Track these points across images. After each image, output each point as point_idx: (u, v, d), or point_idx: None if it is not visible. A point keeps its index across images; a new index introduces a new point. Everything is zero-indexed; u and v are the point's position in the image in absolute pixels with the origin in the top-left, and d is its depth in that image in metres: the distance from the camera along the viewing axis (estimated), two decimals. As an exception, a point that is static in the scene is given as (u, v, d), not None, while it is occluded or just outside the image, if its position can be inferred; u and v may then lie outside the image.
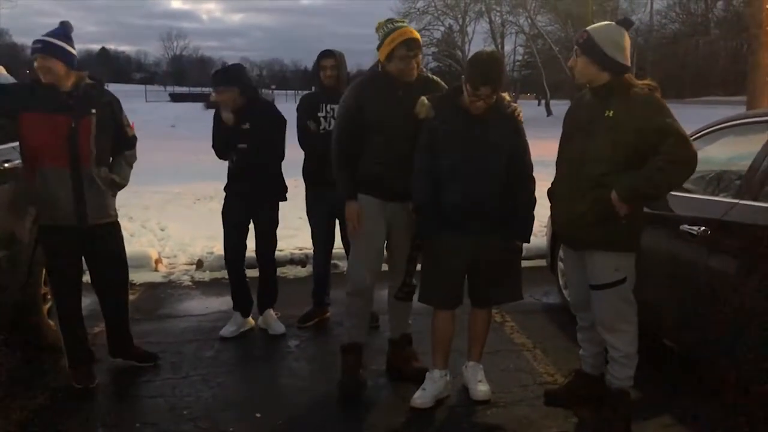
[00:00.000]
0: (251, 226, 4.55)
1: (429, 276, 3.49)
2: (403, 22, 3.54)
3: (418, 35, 3.50)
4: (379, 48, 3.47)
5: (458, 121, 3.31)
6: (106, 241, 3.76)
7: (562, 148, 3.34)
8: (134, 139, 3.91)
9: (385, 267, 3.78)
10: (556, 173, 3.35)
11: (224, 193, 4.56)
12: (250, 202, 4.45)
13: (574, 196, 3.13)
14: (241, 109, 4.34)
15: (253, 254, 4.64)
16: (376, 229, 3.59)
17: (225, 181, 4.54)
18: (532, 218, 3.47)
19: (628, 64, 3.10)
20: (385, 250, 3.73)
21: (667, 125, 2.89)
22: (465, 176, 3.31)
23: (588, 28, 3.16)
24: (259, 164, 4.40)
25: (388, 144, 3.49)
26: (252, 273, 4.73)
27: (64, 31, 3.60)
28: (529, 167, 3.42)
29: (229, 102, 4.31)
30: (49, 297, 4.18)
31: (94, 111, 3.56)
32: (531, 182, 3.42)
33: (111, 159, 3.75)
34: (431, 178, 3.37)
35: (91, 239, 3.66)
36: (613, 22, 3.17)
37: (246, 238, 4.57)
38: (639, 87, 3.03)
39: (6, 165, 3.81)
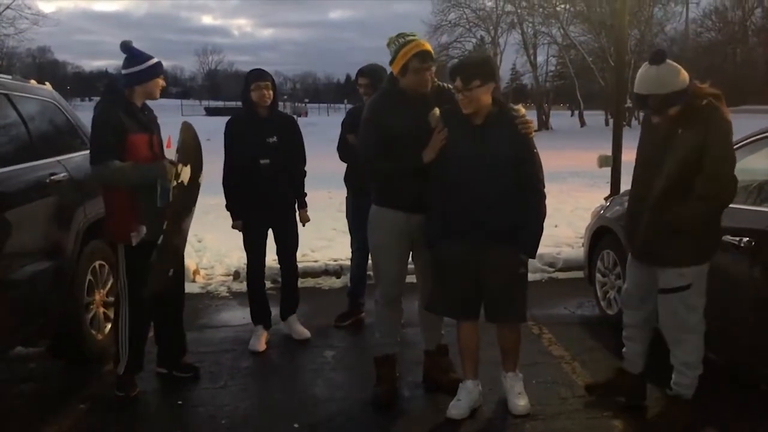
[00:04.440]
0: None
1: (434, 284, 3.52)
2: (414, 35, 3.51)
3: (430, 47, 3.50)
4: (392, 63, 3.48)
5: (461, 131, 3.34)
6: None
7: (637, 164, 3.42)
8: None
9: (413, 278, 3.80)
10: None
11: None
12: (272, 210, 4.51)
13: (639, 213, 3.27)
14: (265, 121, 4.43)
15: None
16: (399, 243, 3.59)
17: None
18: (537, 232, 3.39)
19: (687, 80, 3.09)
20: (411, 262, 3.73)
21: (714, 156, 3.02)
22: (465, 186, 3.33)
23: (647, 91, 3.10)
24: (285, 173, 4.49)
25: (407, 157, 3.46)
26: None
27: None
28: (534, 179, 3.36)
29: (266, 98, 4.37)
30: (91, 307, 4.27)
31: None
32: (537, 194, 3.36)
33: None
34: (442, 187, 3.43)
35: None
36: (650, 66, 3.11)
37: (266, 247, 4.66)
38: (702, 102, 3.09)
39: (52, 178, 3.91)
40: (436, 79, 3.61)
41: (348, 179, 4.83)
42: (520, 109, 3.45)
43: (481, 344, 3.60)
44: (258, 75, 4.41)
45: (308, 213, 4.76)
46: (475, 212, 3.32)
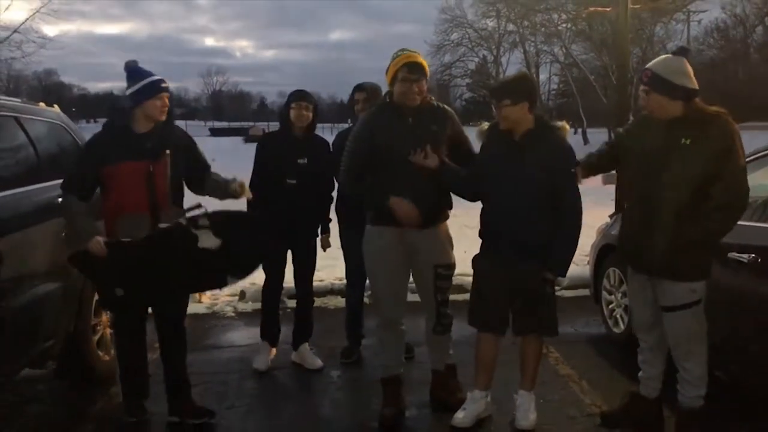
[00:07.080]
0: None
1: (472, 298, 3.57)
2: (416, 52, 3.54)
3: (423, 62, 3.51)
4: (386, 73, 3.54)
5: (499, 146, 3.42)
6: None
7: (629, 175, 3.35)
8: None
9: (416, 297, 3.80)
10: (626, 199, 3.44)
11: None
12: (294, 232, 4.38)
13: (650, 224, 3.14)
14: (300, 142, 4.35)
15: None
16: (397, 260, 3.58)
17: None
18: (570, 251, 3.41)
19: (696, 87, 3.10)
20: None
21: (735, 167, 3.00)
22: (496, 199, 3.40)
23: (649, 65, 3.16)
24: (311, 196, 4.37)
25: (400, 172, 3.47)
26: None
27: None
28: (571, 198, 3.38)
29: (304, 119, 4.31)
30: (98, 328, 4.27)
31: (168, 152, 3.51)
32: (573, 213, 3.37)
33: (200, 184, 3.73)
34: (471, 184, 3.51)
35: None
36: (669, 54, 3.18)
37: (285, 268, 4.55)
38: (713, 113, 3.07)
39: (60, 200, 3.93)
40: (432, 99, 3.63)
41: (339, 211, 4.58)
42: (564, 126, 3.47)
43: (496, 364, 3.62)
44: (299, 96, 4.34)
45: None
46: (504, 226, 3.37)
